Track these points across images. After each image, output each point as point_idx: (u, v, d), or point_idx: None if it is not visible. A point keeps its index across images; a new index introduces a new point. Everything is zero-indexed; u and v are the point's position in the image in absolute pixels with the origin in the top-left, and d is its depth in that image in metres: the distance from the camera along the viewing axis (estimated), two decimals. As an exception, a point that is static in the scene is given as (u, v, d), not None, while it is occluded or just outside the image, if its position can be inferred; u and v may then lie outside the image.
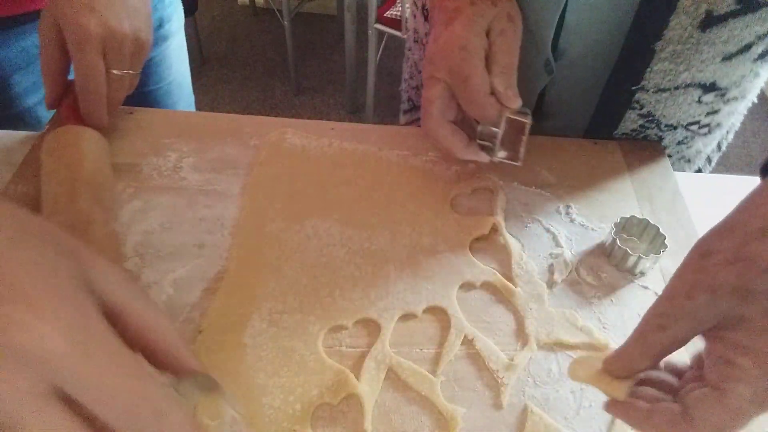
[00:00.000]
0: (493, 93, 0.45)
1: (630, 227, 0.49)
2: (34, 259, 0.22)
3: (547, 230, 0.49)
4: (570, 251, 0.48)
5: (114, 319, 0.24)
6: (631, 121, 0.56)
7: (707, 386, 0.28)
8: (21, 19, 0.60)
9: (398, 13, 1.80)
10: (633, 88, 0.52)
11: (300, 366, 0.39)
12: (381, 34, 1.90)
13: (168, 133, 0.54)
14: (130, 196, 0.48)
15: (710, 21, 0.46)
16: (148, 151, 0.52)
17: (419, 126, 0.65)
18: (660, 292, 0.46)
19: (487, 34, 0.44)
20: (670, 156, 0.60)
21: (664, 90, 0.52)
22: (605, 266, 0.47)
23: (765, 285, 0.27)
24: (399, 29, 1.81)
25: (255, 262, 0.44)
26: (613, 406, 0.32)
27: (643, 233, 0.48)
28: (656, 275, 0.47)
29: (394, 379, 0.39)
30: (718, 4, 0.45)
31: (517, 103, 0.45)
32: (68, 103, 0.49)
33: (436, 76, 0.45)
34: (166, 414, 0.23)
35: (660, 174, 0.55)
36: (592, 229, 0.50)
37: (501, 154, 0.47)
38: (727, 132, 0.64)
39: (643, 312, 0.44)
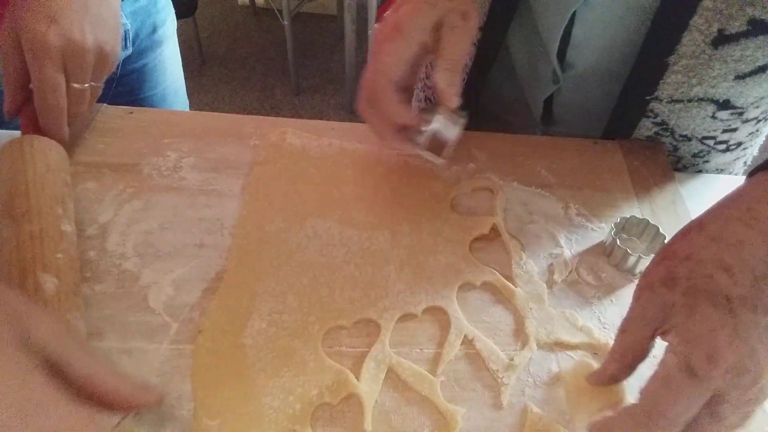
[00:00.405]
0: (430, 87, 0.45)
1: (630, 227, 0.49)
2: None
3: (547, 230, 0.49)
4: (570, 251, 0.48)
5: (58, 370, 0.27)
6: (645, 128, 0.56)
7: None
8: None
9: (398, 13, 1.80)
10: (647, 97, 0.53)
11: (300, 366, 0.39)
12: (381, 34, 1.90)
13: (168, 133, 0.54)
14: (130, 196, 0.48)
15: (722, 39, 0.47)
16: (148, 151, 0.52)
17: None
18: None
19: (438, 27, 0.43)
20: (686, 168, 0.60)
21: (677, 101, 0.53)
22: (605, 266, 0.47)
23: (684, 271, 0.32)
24: (399, 29, 1.81)
25: (255, 262, 0.44)
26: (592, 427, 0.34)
27: (643, 233, 0.48)
28: (656, 275, 0.47)
29: (394, 379, 0.39)
30: (730, 23, 0.46)
31: (455, 102, 0.44)
32: (27, 114, 0.47)
33: (372, 52, 0.44)
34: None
35: (660, 174, 0.55)
36: (592, 229, 0.50)
37: (424, 149, 0.45)
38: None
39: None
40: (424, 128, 0.44)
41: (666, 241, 0.45)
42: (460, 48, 0.43)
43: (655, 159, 0.56)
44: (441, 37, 0.43)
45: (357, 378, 0.38)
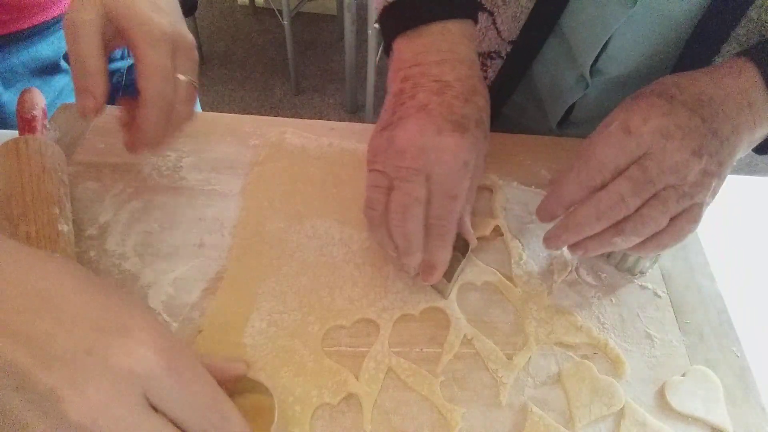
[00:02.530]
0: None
1: None
2: (124, 299, 0.29)
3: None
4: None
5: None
6: None
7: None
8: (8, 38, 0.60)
9: (398, 13, 1.80)
10: None
11: (299, 366, 0.39)
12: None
13: (168, 132, 0.54)
14: (129, 196, 0.48)
15: None
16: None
17: None
18: (660, 293, 0.46)
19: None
20: None
21: None
22: (605, 266, 0.47)
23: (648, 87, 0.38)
24: (399, 29, 1.81)
25: (255, 262, 0.44)
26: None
27: None
28: (656, 275, 0.47)
29: (393, 379, 0.39)
30: None
31: (475, 243, 0.44)
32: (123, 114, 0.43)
33: (420, 169, 0.38)
34: (229, 418, 0.29)
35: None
36: (592, 229, 0.50)
37: (436, 284, 0.43)
38: None
39: (642, 312, 0.45)
40: None
41: None
42: (475, 190, 0.43)
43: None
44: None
45: (357, 378, 0.38)
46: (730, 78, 0.38)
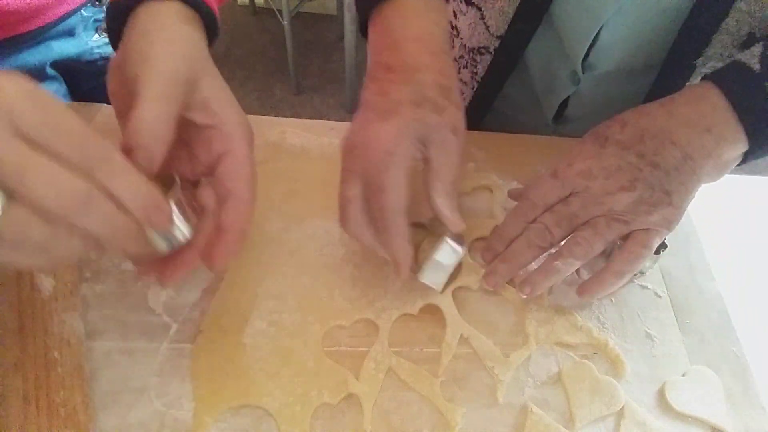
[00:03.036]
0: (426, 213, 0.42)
1: None
2: None
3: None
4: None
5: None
6: None
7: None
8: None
9: (398, 13, 1.80)
10: None
11: (299, 366, 0.39)
12: (381, 33, 1.90)
13: (168, 132, 0.53)
14: (129, 195, 0.48)
15: (751, 41, 0.46)
16: (148, 151, 0.52)
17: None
18: (660, 293, 0.46)
19: (424, 143, 0.39)
20: None
21: None
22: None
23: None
24: (399, 29, 1.81)
25: (254, 262, 0.44)
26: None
27: None
28: (656, 275, 0.47)
29: (393, 379, 0.39)
30: (761, 27, 0.45)
31: (462, 226, 0.41)
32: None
33: (354, 170, 0.38)
34: (110, 158, 0.27)
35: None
36: (592, 229, 0.50)
37: (428, 278, 0.42)
38: None
39: (642, 312, 0.45)
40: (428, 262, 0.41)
41: (666, 241, 0.46)
42: (454, 167, 0.40)
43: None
44: (432, 155, 0.39)
45: (356, 378, 0.38)
46: (687, 107, 0.41)
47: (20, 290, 0.36)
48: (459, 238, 0.42)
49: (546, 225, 0.41)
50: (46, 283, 0.37)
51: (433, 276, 0.42)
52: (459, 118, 0.40)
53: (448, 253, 0.41)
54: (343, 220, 0.39)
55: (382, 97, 0.39)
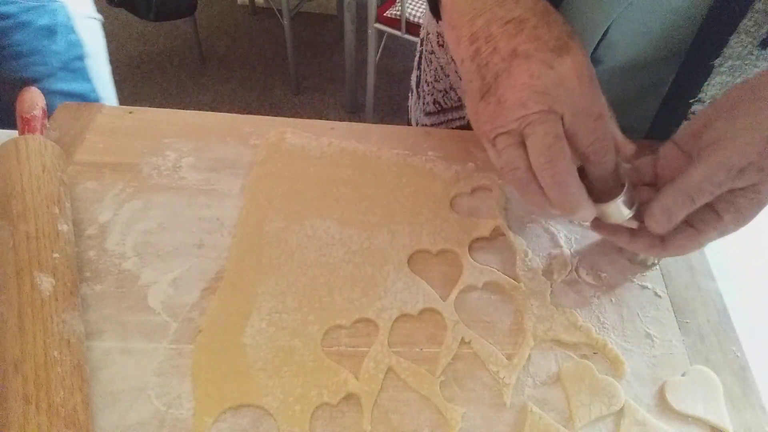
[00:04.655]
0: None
1: None
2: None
3: (547, 230, 0.49)
4: (569, 251, 0.48)
5: None
6: None
7: (688, 226, 0.39)
8: None
9: (398, 13, 1.80)
10: (691, 101, 0.52)
11: (299, 366, 0.39)
12: (381, 33, 1.90)
13: (167, 132, 0.54)
14: (129, 195, 0.48)
15: None
16: (148, 151, 0.52)
17: (448, 128, 0.65)
18: (660, 293, 0.46)
19: None
20: None
21: None
22: (605, 266, 0.47)
23: None
24: (399, 29, 1.81)
25: (254, 262, 0.44)
26: (601, 227, 0.42)
27: None
28: (656, 275, 0.47)
29: (393, 379, 0.39)
30: None
31: (633, 149, 0.39)
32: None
33: (556, 110, 0.35)
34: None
35: (660, 174, 0.55)
36: (592, 229, 0.50)
37: (628, 214, 0.39)
38: None
39: (642, 312, 0.45)
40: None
41: None
42: (599, 93, 0.37)
43: (655, 159, 0.56)
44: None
45: (356, 378, 0.38)
46: None
47: (20, 290, 0.36)
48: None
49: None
50: (46, 283, 0.37)
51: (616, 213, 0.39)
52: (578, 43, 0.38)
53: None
54: (553, 155, 0.36)
55: (538, 41, 0.36)
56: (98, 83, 0.83)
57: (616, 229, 0.42)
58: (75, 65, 0.78)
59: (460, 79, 0.64)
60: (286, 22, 2.04)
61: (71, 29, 0.76)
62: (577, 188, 0.36)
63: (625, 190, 0.38)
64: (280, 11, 2.07)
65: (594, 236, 0.49)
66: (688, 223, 0.39)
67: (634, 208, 0.39)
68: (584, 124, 0.36)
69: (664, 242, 0.40)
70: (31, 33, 0.72)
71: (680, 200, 0.37)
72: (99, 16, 0.83)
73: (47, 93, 0.55)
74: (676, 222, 0.38)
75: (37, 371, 0.33)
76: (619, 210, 0.39)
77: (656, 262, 0.47)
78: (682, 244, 0.39)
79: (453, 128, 0.68)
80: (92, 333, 0.39)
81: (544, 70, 0.35)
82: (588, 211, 0.38)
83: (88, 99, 0.81)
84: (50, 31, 0.73)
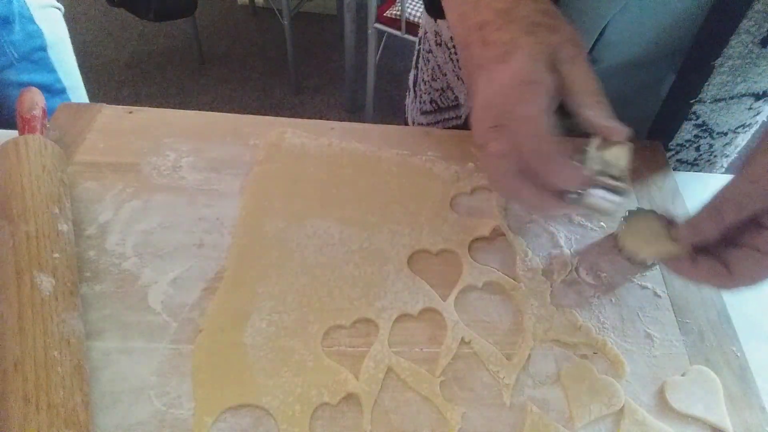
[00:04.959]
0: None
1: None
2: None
3: (546, 230, 0.49)
4: (569, 251, 0.48)
5: None
6: (686, 131, 0.56)
7: (752, 249, 0.35)
8: None
9: (398, 13, 1.80)
10: (691, 101, 0.53)
11: (299, 366, 0.38)
12: (381, 33, 1.90)
13: (167, 132, 0.54)
14: (129, 195, 0.48)
15: None
16: (148, 151, 0.52)
17: (444, 127, 0.65)
18: (660, 292, 0.46)
19: (554, 66, 0.37)
20: (715, 156, 0.60)
21: (720, 100, 0.53)
22: (605, 266, 0.47)
23: None
24: (399, 29, 1.81)
25: (254, 262, 0.44)
26: (668, 262, 0.40)
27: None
28: (656, 275, 0.47)
29: (393, 378, 0.39)
30: None
31: (624, 132, 0.37)
32: None
33: (495, 127, 0.36)
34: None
35: (660, 174, 0.55)
36: (592, 229, 0.50)
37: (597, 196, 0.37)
38: None
39: (642, 312, 0.45)
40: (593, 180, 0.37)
41: None
42: (591, 76, 0.38)
43: (655, 159, 0.56)
44: (564, 73, 0.37)
45: (356, 378, 0.38)
46: None
47: (20, 290, 0.36)
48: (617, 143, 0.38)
49: None
50: (46, 283, 0.37)
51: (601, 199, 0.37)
52: (573, 31, 0.38)
53: (608, 160, 0.37)
54: (496, 178, 0.37)
55: (492, 48, 0.37)
56: (63, 73, 0.82)
57: (677, 262, 0.39)
58: (36, 56, 0.77)
59: (458, 78, 0.64)
60: (286, 22, 2.04)
61: (29, 19, 0.75)
62: (535, 199, 0.37)
63: (592, 187, 0.37)
64: (280, 11, 2.07)
65: (594, 236, 0.49)
66: (754, 247, 0.35)
67: (621, 193, 0.38)
68: (519, 136, 0.36)
69: (730, 270, 0.36)
70: None
71: (706, 212, 0.36)
72: (59, 6, 0.82)
73: (7, 84, 0.54)
74: (703, 234, 0.36)
75: (37, 371, 0.33)
76: (598, 201, 0.37)
77: (656, 262, 0.47)
78: (749, 268, 0.35)
79: (449, 127, 0.68)
80: (92, 333, 0.39)
81: (483, 86, 0.37)
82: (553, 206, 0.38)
83: (53, 90, 0.80)
84: (5, 21, 0.72)
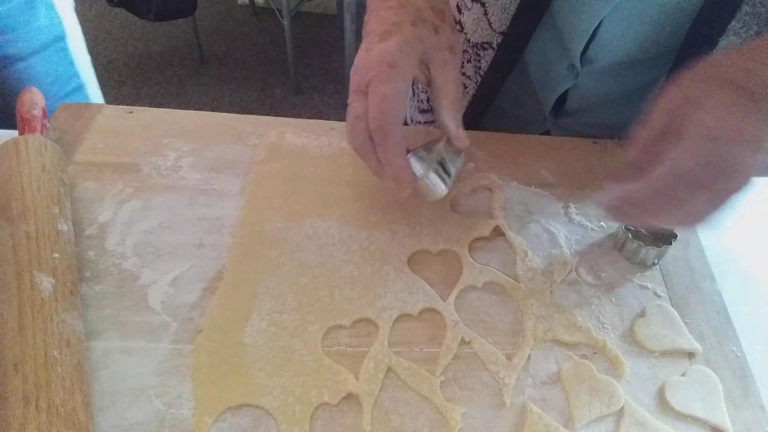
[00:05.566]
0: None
1: None
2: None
3: (547, 230, 0.49)
4: (569, 251, 0.48)
5: None
6: None
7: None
8: None
9: (398, 13, 1.80)
10: None
11: (299, 366, 0.38)
12: (381, 33, 1.90)
13: (167, 132, 0.54)
14: (129, 195, 0.48)
15: None
16: (148, 151, 0.52)
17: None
18: (660, 293, 0.46)
19: (426, 63, 0.42)
20: None
21: None
22: (605, 266, 0.47)
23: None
24: (399, 29, 1.81)
25: (254, 262, 0.44)
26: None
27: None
28: (656, 275, 0.47)
29: (393, 378, 0.39)
30: None
31: (467, 142, 0.44)
32: None
33: (360, 89, 0.41)
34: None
35: (660, 174, 0.55)
36: (592, 229, 0.50)
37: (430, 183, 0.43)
38: None
39: (642, 311, 0.45)
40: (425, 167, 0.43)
41: (674, 231, 0.46)
42: (456, 83, 0.43)
43: (655, 159, 0.56)
44: (433, 74, 0.43)
45: (356, 378, 0.38)
46: None
47: (20, 290, 0.36)
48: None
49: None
50: (46, 283, 0.37)
51: (436, 181, 0.43)
52: (454, 37, 0.43)
53: (445, 156, 0.43)
54: (350, 135, 0.42)
55: (381, 22, 0.42)
56: (79, 66, 0.80)
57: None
58: (58, 45, 0.76)
59: None
60: (286, 22, 2.04)
61: (51, 6, 0.73)
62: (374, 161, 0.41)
63: (433, 168, 0.43)
64: (280, 11, 2.07)
65: (594, 236, 0.49)
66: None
67: (450, 181, 0.44)
68: (371, 105, 0.40)
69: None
70: (13, 6, 0.68)
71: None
72: None
73: (29, 75, 0.53)
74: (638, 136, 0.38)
75: (37, 371, 0.33)
76: (428, 184, 0.43)
77: (656, 262, 0.47)
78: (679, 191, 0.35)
79: None
80: (92, 333, 0.39)
81: (363, 54, 0.42)
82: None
83: (71, 83, 0.79)
84: (30, 5, 0.70)
